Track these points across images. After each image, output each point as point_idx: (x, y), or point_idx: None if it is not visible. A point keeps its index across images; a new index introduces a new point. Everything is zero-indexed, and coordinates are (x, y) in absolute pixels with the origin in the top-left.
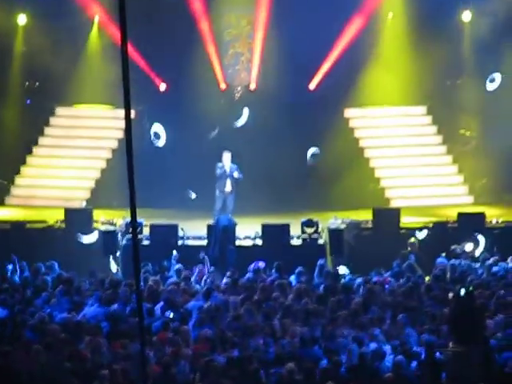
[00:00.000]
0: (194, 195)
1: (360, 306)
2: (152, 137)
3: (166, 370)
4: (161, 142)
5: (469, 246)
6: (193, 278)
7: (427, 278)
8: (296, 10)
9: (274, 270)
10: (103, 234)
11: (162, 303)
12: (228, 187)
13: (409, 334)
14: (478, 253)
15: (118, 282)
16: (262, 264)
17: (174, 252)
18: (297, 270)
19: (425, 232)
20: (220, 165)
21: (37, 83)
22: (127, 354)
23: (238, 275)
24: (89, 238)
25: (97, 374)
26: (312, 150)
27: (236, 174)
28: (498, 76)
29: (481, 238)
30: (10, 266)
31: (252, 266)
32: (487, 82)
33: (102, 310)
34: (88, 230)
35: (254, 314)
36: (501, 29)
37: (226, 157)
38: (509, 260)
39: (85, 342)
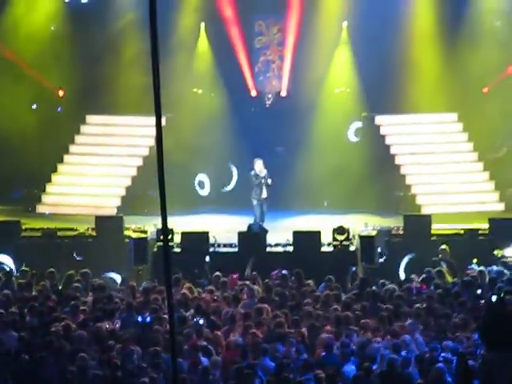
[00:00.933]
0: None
1: (390, 312)
2: (196, 185)
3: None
4: (204, 192)
5: (509, 251)
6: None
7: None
8: (325, 17)
9: (293, 277)
10: (134, 241)
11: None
12: (264, 194)
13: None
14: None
15: (149, 289)
16: (284, 271)
17: (207, 258)
18: (326, 278)
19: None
20: (253, 173)
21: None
22: (158, 362)
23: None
24: None
25: (128, 382)
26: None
27: (269, 181)
28: None
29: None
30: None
31: (275, 272)
32: None
33: (133, 318)
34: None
35: (284, 321)
36: None
37: (259, 164)
38: None
39: (116, 350)
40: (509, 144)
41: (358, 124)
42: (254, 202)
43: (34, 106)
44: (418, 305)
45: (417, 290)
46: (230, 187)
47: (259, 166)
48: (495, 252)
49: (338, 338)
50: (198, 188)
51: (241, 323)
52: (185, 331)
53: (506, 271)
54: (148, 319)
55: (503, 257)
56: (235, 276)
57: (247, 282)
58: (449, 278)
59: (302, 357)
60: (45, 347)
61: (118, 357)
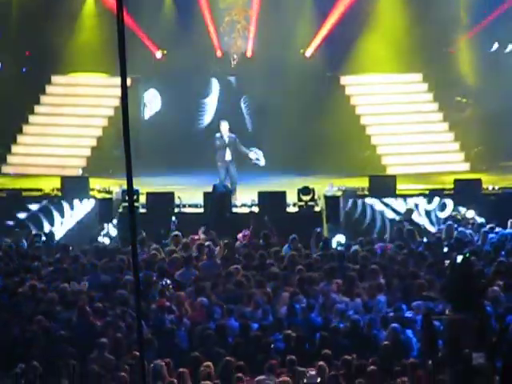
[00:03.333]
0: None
1: (356, 273)
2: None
3: (167, 338)
4: (156, 106)
5: (470, 213)
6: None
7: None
8: None
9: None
10: (99, 201)
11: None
12: (228, 156)
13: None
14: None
15: (115, 250)
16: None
17: (173, 218)
18: (290, 237)
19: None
20: (218, 135)
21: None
22: (123, 322)
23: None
24: None
25: (95, 342)
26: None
27: (252, 155)
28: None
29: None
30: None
31: (241, 234)
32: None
33: (98, 278)
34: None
35: (249, 281)
36: None
37: (224, 126)
38: (509, 224)
39: (77, 311)
40: (473, 105)
41: None
42: (219, 164)
43: None
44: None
45: (382, 250)
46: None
47: (224, 129)
48: (454, 213)
49: (305, 298)
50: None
51: (207, 284)
52: (151, 292)
53: (470, 231)
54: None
55: (464, 218)
56: (196, 237)
57: (207, 243)
58: (417, 238)
59: (269, 317)
60: (10, 308)
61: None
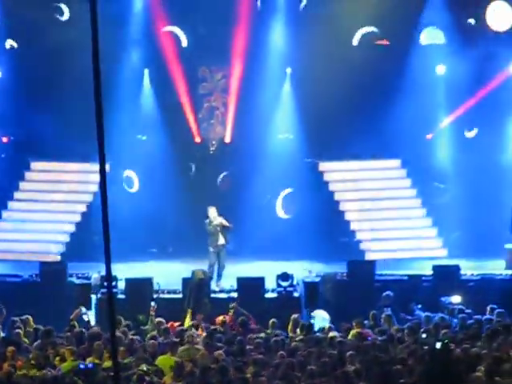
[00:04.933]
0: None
1: (335, 359)
2: (123, 182)
3: None
4: (133, 189)
5: (456, 298)
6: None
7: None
8: (269, 64)
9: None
10: (77, 287)
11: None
12: (221, 240)
13: None
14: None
15: (96, 335)
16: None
17: (153, 303)
18: (270, 323)
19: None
20: (207, 221)
21: (11, 138)
22: None
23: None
24: None
25: None
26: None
27: (225, 223)
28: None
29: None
30: None
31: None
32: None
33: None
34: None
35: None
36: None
37: (212, 211)
38: (488, 310)
39: None
40: (452, 190)
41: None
42: (210, 250)
43: None
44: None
45: (361, 336)
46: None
47: (213, 213)
48: (443, 299)
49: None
50: (125, 184)
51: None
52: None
53: (450, 319)
54: (90, 365)
55: (450, 304)
56: (176, 324)
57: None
58: (394, 324)
59: None
60: None
61: None
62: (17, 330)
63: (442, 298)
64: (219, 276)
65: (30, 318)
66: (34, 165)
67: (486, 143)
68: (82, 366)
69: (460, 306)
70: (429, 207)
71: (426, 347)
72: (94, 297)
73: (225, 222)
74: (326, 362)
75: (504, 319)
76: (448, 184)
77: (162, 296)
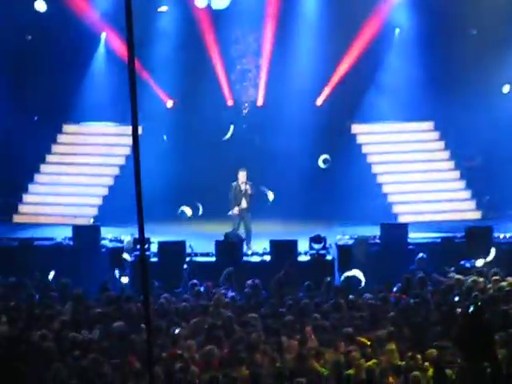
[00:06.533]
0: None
1: (366, 322)
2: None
3: None
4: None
5: (480, 262)
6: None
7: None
8: (303, 29)
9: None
10: (111, 250)
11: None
12: (244, 205)
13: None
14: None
15: (128, 298)
16: (257, 281)
17: (185, 266)
18: (305, 284)
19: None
20: (234, 184)
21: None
22: (137, 371)
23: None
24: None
25: None
26: (323, 157)
27: (249, 190)
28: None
29: (492, 251)
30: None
31: (249, 282)
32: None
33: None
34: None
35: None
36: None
37: (242, 175)
38: None
39: (88, 360)
40: (484, 153)
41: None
42: (234, 213)
43: None
44: (392, 313)
45: (395, 299)
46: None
47: (242, 177)
48: (466, 264)
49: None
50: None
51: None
52: (161, 341)
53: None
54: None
55: (474, 267)
56: (210, 284)
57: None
58: (427, 287)
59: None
60: (21, 357)
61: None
62: (52, 293)
63: (462, 262)
64: (249, 239)
65: (66, 281)
66: (67, 127)
67: None
68: None
69: (494, 269)
70: (462, 170)
71: (459, 310)
72: (127, 259)
73: (249, 190)
74: (358, 324)
75: None
76: (479, 148)
77: (194, 259)
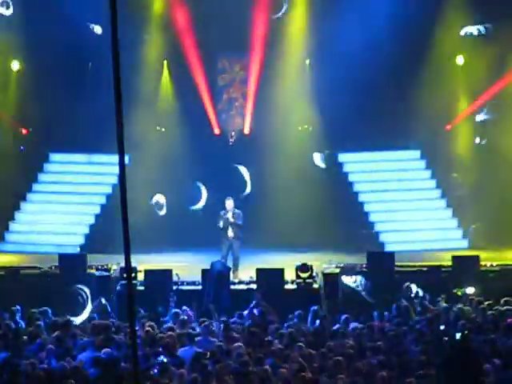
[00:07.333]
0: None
1: (353, 350)
2: (154, 206)
3: None
4: (163, 212)
5: (470, 290)
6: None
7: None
8: (289, 56)
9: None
10: (97, 279)
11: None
12: (230, 233)
13: None
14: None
15: (112, 327)
16: (255, 311)
17: (172, 295)
18: (290, 315)
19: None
20: (222, 213)
21: (30, 129)
22: None
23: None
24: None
25: None
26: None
27: (231, 219)
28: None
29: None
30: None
31: (247, 312)
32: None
33: (95, 354)
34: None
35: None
36: None
37: (229, 204)
38: (501, 302)
39: None
40: (470, 182)
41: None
42: (223, 241)
43: None
44: (379, 342)
45: (379, 328)
46: (199, 205)
47: (229, 205)
48: (455, 290)
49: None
50: (155, 208)
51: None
52: (149, 370)
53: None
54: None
55: (465, 295)
56: (190, 313)
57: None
58: (413, 315)
59: None
60: None
61: None
62: (37, 322)
63: (454, 290)
64: (235, 267)
65: (48, 310)
66: (53, 156)
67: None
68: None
69: (478, 298)
70: (448, 198)
71: (446, 338)
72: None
73: (231, 219)
74: (347, 354)
75: None
76: (467, 174)
77: (181, 288)
